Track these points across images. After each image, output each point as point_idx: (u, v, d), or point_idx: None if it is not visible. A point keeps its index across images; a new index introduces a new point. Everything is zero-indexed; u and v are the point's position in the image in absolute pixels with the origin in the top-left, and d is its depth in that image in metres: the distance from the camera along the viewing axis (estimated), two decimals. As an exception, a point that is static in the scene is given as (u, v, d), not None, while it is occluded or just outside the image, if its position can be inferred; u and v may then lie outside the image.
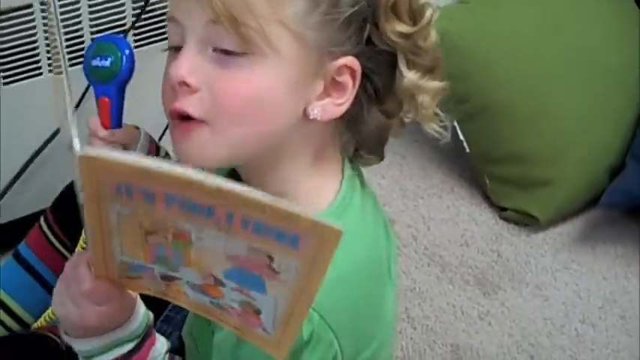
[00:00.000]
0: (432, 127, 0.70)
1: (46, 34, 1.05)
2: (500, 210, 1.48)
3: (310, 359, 0.65)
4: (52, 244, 0.99)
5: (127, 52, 0.78)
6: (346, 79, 0.65)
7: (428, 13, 0.67)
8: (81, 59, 1.10)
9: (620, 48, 1.51)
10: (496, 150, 1.47)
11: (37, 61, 1.08)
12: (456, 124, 1.47)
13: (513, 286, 1.36)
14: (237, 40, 0.62)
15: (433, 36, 0.68)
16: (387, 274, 0.76)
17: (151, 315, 0.68)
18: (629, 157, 1.46)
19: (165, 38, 1.16)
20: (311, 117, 0.65)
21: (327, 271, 0.52)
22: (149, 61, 1.19)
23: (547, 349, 1.27)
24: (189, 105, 0.64)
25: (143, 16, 1.14)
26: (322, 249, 0.50)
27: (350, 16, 0.63)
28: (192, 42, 0.64)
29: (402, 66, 0.67)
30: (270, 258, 0.53)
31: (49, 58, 1.08)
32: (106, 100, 0.80)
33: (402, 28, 0.65)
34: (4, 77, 1.06)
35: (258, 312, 0.58)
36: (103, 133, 0.81)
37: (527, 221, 1.46)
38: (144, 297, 0.68)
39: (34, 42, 1.06)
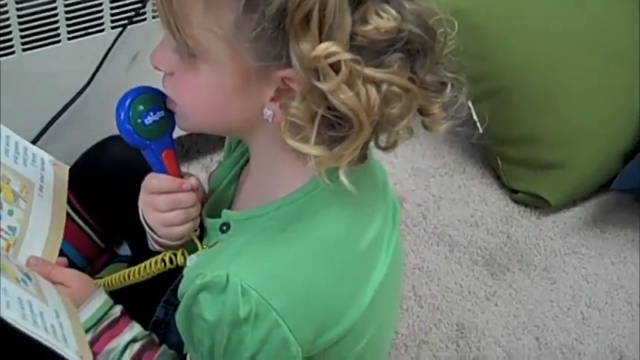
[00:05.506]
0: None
1: (65, 1, 1.06)
2: (512, 192, 1.48)
3: (253, 337, 0.66)
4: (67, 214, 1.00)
5: (164, 96, 0.73)
6: (297, 87, 0.64)
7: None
8: (100, 27, 1.12)
9: (635, 31, 1.50)
10: (509, 131, 1.47)
11: (56, 28, 1.08)
12: (470, 103, 1.46)
13: (521, 268, 1.36)
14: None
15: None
16: (375, 257, 0.75)
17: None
18: (643, 143, 1.46)
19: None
20: (264, 117, 0.67)
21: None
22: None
23: (552, 332, 1.28)
24: (166, 85, 0.72)
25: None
26: None
27: (276, 32, 0.61)
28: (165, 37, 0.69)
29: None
30: None
31: (67, 25, 1.08)
32: (171, 151, 0.76)
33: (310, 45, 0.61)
34: (23, 44, 1.06)
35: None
36: (195, 182, 0.78)
37: (538, 204, 1.46)
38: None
39: (54, 9, 1.05)
